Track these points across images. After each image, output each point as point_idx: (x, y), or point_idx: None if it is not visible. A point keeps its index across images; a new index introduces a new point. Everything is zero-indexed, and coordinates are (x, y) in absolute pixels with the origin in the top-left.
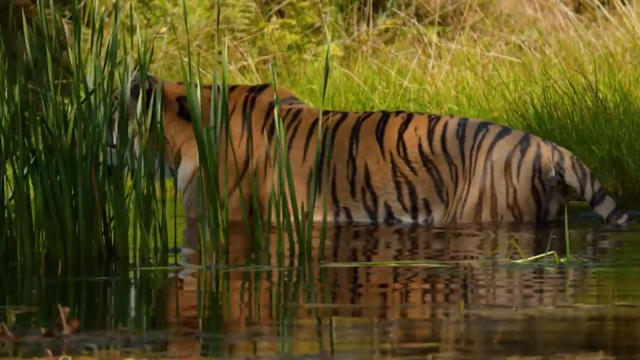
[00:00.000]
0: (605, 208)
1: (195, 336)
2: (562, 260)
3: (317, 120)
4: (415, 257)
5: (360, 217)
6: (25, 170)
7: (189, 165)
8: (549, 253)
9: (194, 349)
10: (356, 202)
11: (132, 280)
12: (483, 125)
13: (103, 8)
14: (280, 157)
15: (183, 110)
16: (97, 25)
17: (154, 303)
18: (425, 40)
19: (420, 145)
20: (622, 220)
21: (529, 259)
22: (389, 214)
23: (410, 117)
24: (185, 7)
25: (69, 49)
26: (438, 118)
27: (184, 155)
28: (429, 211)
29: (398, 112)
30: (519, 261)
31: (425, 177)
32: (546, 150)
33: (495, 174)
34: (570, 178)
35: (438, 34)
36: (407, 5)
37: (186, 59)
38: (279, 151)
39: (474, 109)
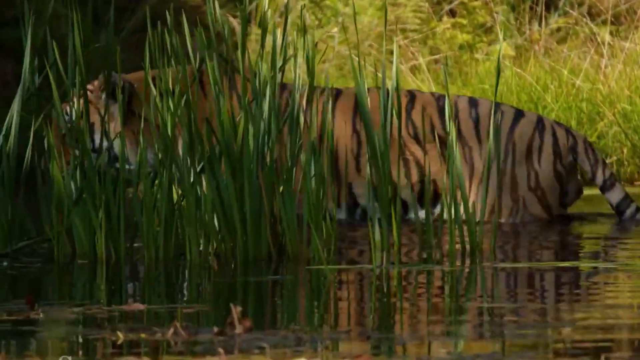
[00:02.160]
0: (615, 195)
1: (366, 336)
2: None
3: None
4: (575, 256)
5: (363, 192)
6: (193, 172)
7: None
8: None
9: (365, 349)
10: (361, 177)
11: (303, 280)
12: (496, 107)
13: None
14: (451, 154)
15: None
16: (267, 25)
17: (325, 302)
18: (598, 39)
19: (432, 125)
20: (631, 209)
21: None
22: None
23: (413, 95)
24: (355, 7)
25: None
26: (444, 96)
27: None
28: (436, 195)
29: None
30: None
31: (437, 157)
32: (561, 134)
33: (517, 157)
34: (583, 162)
35: (611, 33)
36: (580, 4)
37: (356, 59)
38: (449, 148)
39: None
